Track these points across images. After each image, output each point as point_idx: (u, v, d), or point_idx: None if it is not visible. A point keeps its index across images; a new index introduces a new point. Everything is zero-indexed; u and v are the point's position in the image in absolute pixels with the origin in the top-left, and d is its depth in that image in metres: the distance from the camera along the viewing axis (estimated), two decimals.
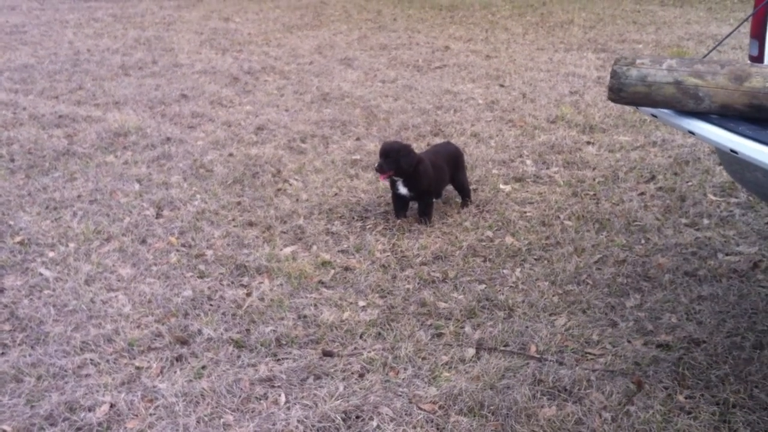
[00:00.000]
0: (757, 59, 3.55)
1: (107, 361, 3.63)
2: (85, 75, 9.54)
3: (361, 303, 4.14)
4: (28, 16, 14.49)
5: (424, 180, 5.00)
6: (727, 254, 4.55)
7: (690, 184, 5.60)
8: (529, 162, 6.19)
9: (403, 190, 5.03)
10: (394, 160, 4.87)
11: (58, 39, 12.09)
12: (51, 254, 4.72)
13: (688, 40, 11.10)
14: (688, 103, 3.00)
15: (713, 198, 5.34)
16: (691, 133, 3.03)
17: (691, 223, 4.98)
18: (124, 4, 16.15)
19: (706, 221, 4.99)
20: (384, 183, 5.43)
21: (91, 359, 3.64)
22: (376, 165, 4.91)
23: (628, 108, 7.21)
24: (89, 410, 3.28)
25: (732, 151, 2.77)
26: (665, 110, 3.15)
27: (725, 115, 2.98)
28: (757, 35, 3.54)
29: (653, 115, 3.25)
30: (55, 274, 4.47)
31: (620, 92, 3.08)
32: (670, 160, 6.12)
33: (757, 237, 4.75)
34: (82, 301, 4.15)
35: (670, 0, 15.46)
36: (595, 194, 5.50)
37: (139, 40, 11.94)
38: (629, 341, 3.72)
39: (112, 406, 3.30)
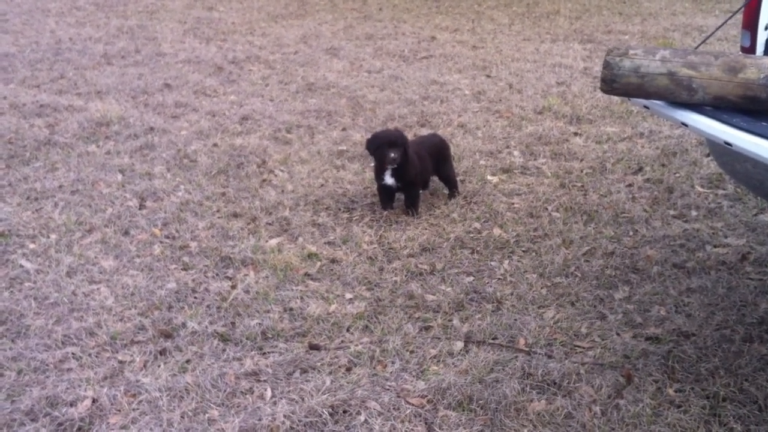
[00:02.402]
0: (749, 50, 3.51)
1: (89, 354, 3.57)
2: (67, 64, 9.42)
3: (348, 295, 4.09)
4: (9, 5, 14.30)
5: (411, 170, 4.95)
6: (715, 246, 4.54)
7: (678, 175, 5.59)
8: (516, 153, 6.15)
9: (390, 180, 4.97)
10: (402, 147, 4.82)
11: (40, 28, 11.93)
12: (32, 246, 4.64)
13: (674, 31, 11.09)
14: (681, 95, 2.96)
15: (701, 189, 5.32)
16: (684, 125, 2.99)
17: (679, 215, 4.97)
18: None
19: (694, 213, 4.98)
20: (372, 174, 5.38)
21: (72, 353, 3.58)
22: (392, 156, 4.79)
23: (615, 99, 7.19)
24: (71, 405, 3.22)
25: (726, 143, 2.73)
26: (658, 102, 3.11)
27: (719, 107, 2.95)
28: (748, 26, 3.51)
29: (645, 107, 3.21)
30: (36, 266, 4.39)
31: (613, 83, 3.03)
32: (657, 151, 6.10)
33: (745, 229, 4.74)
34: (63, 294, 4.09)
35: None
36: (582, 186, 5.47)
37: (121, 28, 11.80)
38: (618, 334, 3.70)
39: (94, 401, 3.25)
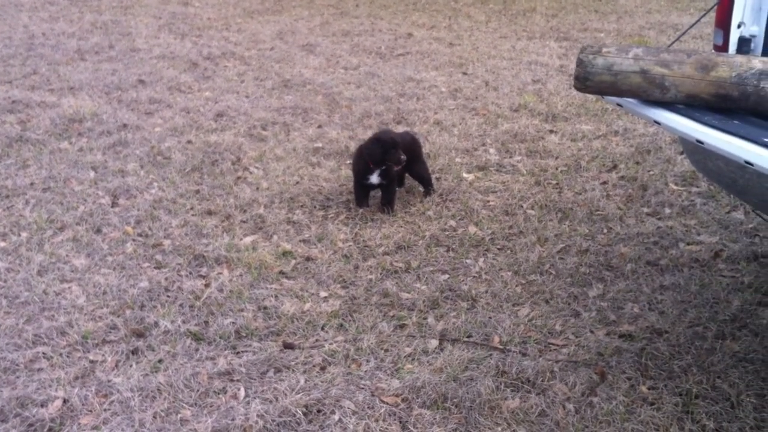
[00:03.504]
0: (722, 49, 3.53)
1: (60, 354, 3.53)
2: (40, 59, 9.30)
3: (323, 294, 4.07)
4: None
5: (395, 167, 4.97)
6: (688, 244, 4.56)
7: (651, 173, 5.61)
8: (492, 150, 6.15)
9: (376, 179, 4.95)
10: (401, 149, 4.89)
11: (13, 23, 11.78)
12: (2, 244, 4.58)
13: (650, 29, 11.16)
14: (653, 93, 2.96)
15: (675, 187, 5.36)
16: (657, 123, 3.00)
17: (653, 213, 4.99)
18: None
19: (667, 210, 5.00)
20: (347, 172, 5.36)
21: (43, 353, 3.54)
22: (403, 157, 4.85)
23: (590, 97, 7.21)
24: (41, 406, 3.18)
25: (698, 141, 2.74)
26: (630, 100, 3.12)
27: (691, 105, 2.96)
28: (721, 24, 3.52)
29: (618, 105, 3.22)
30: (7, 265, 4.34)
31: (586, 81, 3.03)
32: (631, 149, 6.13)
33: (717, 226, 4.77)
34: (34, 293, 4.03)
35: None
36: (557, 183, 5.49)
37: (95, 24, 11.68)
38: (592, 331, 3.71)
39: (65, 401, 3.21)
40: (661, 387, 3.26)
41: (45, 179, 5.53)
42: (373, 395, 3.24)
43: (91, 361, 3.49)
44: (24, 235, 4.69)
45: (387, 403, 3.18)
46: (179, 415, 3.12)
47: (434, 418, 3.10)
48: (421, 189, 5.36)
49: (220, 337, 3.66)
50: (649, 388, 3.26)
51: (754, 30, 3.48)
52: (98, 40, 10.48)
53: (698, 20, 3.85)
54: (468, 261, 4.42)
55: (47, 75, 8.54)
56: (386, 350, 3.57)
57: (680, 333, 3.65)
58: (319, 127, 6.82)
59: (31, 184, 5.46)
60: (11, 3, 13.70)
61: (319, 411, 3.14)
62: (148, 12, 12.85)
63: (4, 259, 4.40)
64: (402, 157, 4.85)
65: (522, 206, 5.10)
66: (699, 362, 3.41)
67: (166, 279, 4.20)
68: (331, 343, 3.62)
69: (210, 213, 5.03)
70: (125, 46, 10.09)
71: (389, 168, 4.91)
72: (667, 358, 3.46)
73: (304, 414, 3.11)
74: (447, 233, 4.75)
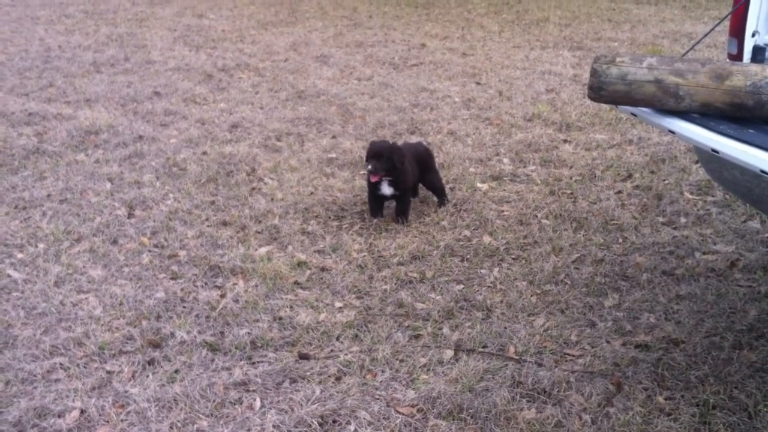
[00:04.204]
0: (736, 57, 3.53)
1: (77, 365, 3.55)
2: (56, 72, 9.38)
3: (338, 304, 4.08)
4: None
5: (408, 178, 4.96)
6: (704, 253, 4.54)
7: (666, 182, 5.60)
8: (506, 160, 6.15)
9: (387, 189, 4.95)
10: (387, 159, 4.80)
11: (29, 36, 11.89)
12: (20, 255, 4.61)
13: (663, 38, 11.14)
14: (668, 102, 2.96)
15: (690, 196, 5.34)
16: (672, 132, 3.00)
17: (668, 222, 4.97)
18: (96, 0, 15.94)
19: (683, 220, 4.99)
20: (362, 182, 5.36)
21: (60, 363, 3.56)
22: (369, 167, 4.79)
23: (604, 106, 7.21)
24: (59, 416, 3.20)
25: (713, 150, 2.74)
26: (645, 109, 3.12)
27: (706, 114, 2.96)
28: (736, 33, 3.52)
29: (633, 114, 3.22)
30: (24, 276, 4.37)
31: (600, 91, 3.04)
32: (646, 158, 6.11)
33: (734, 236, 4.75)
34: (51, 304, 4.06)
35: None
36: (572, 193, 5.48)
37: (111, 36, 11.77)
38: (608, 342, 3.70)
39: (82, 411, 3.23)
40: (678, 397, 3.25)
41: (62, 191, 5.58)
42: (388, 406, 3.24)
43: (108, 372, 3.51)
44: (41, 246, 4.73)
45: (402, 414, 3.18)
46: (195, 426, 3.13)
47: (450, 429, 3.09)
48: (435, 199, 5.37)
49: (236, 348, 3.67)
50: (665, 399, 3.25)
51: None
52: (114, 52, 10.56)
53: (712, 29, 3.84)
54: (483, 271, 4.42)
55: (63, 87, 8.61)
56: (401, 361, 3.57)
57: (697, 343, 3.63)
58: (333, 137, 6.84)
59: (48, 195, 5.50)
60: (27, 16, 13.84)
61: (334, 421, 3.15)
62: (163, 24, 12.94)
63: (22, 270, 4.44)
64: (368, 167, 4.79)
65: (536, 216, 5.10)
66: (716, 372, 3.40)
67: (182, 290, 4.22)
68: (346, 354, 3.63)
69: (225, 224, 5.06)
70: (140, 59, 10.16)
71: (399, 179, 4.90)
72: (683, 368, 3.45)
73: (320, 424, 3.11)
74: (461, 243, 4.75)
